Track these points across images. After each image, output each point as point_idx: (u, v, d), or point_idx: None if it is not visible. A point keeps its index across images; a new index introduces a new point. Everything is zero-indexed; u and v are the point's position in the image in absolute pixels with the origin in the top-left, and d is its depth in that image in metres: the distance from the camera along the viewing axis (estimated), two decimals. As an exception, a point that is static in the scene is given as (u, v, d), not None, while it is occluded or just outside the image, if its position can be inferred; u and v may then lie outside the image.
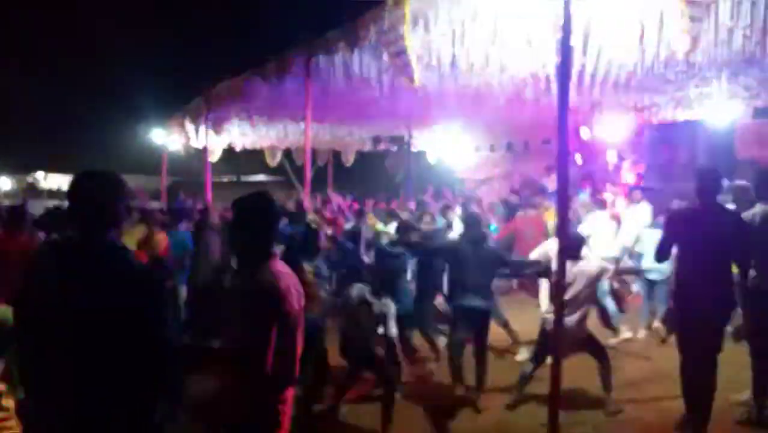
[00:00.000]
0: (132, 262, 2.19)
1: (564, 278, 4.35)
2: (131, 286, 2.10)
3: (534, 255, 5.69)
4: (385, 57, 5.25)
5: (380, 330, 4.75)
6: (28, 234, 5.25)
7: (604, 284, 6.51)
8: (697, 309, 4.34)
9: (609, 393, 5.01)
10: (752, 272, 4.50)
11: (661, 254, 4.66)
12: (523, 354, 6.39)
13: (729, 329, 4.71)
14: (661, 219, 6.82)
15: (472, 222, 5.65)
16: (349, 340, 4.79)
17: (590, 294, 5.10)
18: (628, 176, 11.85)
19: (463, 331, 5.26)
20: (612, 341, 6.64)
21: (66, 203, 2.30)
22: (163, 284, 2.22)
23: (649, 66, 6.05)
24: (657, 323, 7.19)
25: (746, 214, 4.61)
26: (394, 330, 4.82)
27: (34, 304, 2.10)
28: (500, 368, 5.93)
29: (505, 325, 6.66)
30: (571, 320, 4.82)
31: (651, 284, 7.18)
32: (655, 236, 6.57)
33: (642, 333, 7.23)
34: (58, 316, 2.04)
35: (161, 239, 6.74)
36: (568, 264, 4.87)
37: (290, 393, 2.63)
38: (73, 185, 2.19)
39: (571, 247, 4.89)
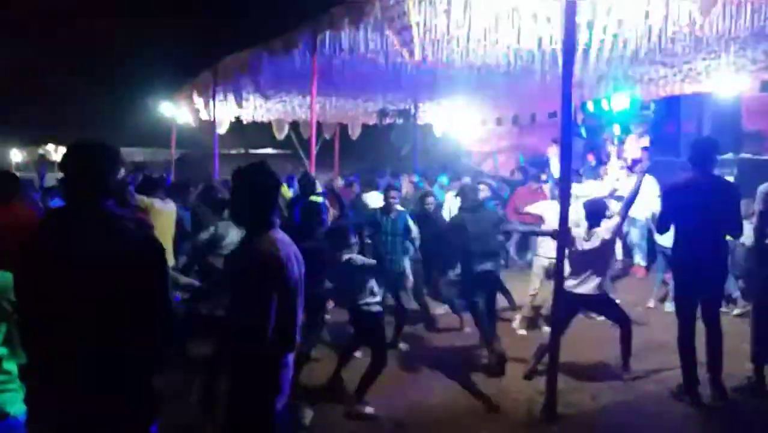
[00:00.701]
0: (130, 230, 2.19)
1: (564, 247, 4.47)
2: (129, 254, 2.12)
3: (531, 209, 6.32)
4: (389, 32, 5.27)
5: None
6: (23, 204, 4.77)
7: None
8: (693, 275, 4.57)
9: (627, 360, 5.14)
10: None
11: (662, 226, 4.85)
12: (517, 323, 6.58)
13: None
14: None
15: (466, 191, 5.83)
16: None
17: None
18: (634, 150, 11.83)
19: (477, 294, 5.41)
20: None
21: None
22: (161, 252, 2.24)
23: (656, 39, 6.03)
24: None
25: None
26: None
27: (33, 273, 2.13)
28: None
29: (506, 292, 6.82)
30: (588, 285, 5.00)
31: (665, 256, 7.31)
32: None
33: (652, 303, 7.37)
34: (58, 284, 2.08)
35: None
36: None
37: (290, 358, 2.71)
38: (66, 155, 2.21)
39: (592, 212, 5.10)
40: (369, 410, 4.48)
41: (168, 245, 5.84)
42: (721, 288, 4.75)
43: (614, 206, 5.82)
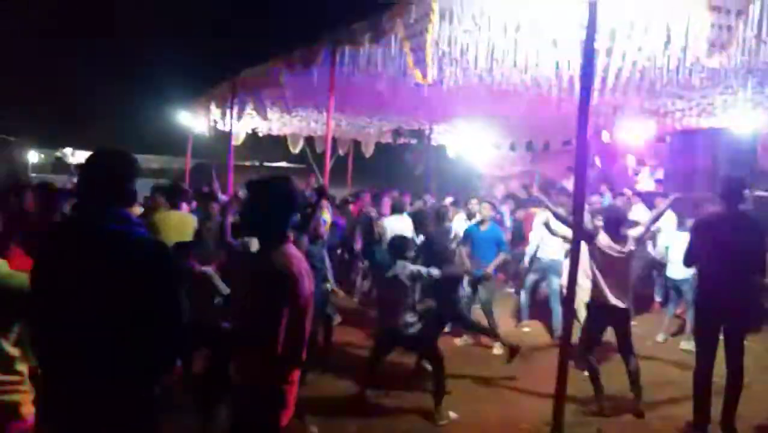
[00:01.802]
0: (143, 238, 2.22)
1: (576, 274, 4.44)
2: (142, 261, 2.13)
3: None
4: (405, 49, 5.30)
5: None
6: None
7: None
8: (716, 311, 4.54)
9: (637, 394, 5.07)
10: None
11: (690, 260, 4.89)
12: (498, 349, 6.53)
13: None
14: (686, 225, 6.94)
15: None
16: None
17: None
18: (647, 182, 11.77)
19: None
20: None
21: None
22: (173, 260, 2.25)
23: (673, 71, 6.03)
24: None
25: None
26: None
27: (47, 277, 2.15)
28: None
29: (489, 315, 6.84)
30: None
31: (677, 291, 7.24)
32: (683, 241, 6.70)
33: (661, 337, 7.27)
34: (70, 289, 2.09)
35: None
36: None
37: (296, 374, 2.67)
38: (87, 162, 2.25)
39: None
40: None
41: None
42: (745, 325, 4.69)
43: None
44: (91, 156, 2.29)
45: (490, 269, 6.77)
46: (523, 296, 7.64)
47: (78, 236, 2.16)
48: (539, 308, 7.68)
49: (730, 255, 4.45)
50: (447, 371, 5.09)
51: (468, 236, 7.02)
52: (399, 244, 5.20)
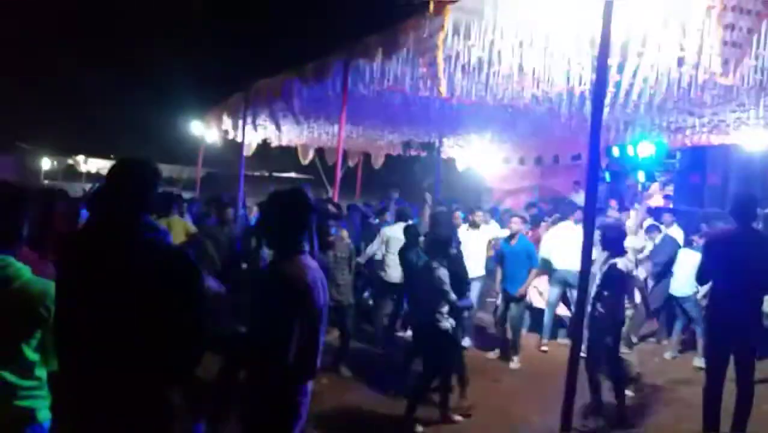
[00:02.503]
0: (166, 245, 2.26)
1: (587, 288, 4.44)
2: (164, 269, 2.16)
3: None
4: (420, 63, 5.35)
5: None
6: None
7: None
8: (728, 329, 4.51)
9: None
10: None
11: (703, 277, 4.88)
12: (515, 363, 6.53)
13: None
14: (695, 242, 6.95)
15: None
16: None
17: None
18: (657, 197, 11.74)
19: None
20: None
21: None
22: (194, 269, 2.30)
23: (685, 88, 6.04)
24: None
25: None
26: None
27: (72, 283, 2.19)
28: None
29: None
30: None
31: (681, 309, 7.21)
32: (689, 258, 6.70)
33: (669, 354, 7.22)
34: (95, 295, 2.12)
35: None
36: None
37: (309, 386, 2.68)
38: (113, 170, 2.30)
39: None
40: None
41: None
42: (756, 344, 4.66)
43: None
44: (118, 164, 2.34)
45: (523, 289, 6.80)
46: (548, 313, 7.61)
47: (110, 243, 2.20)
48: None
49: (742, 273, 4.43)
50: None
51: (499, 253, 7.07)
52: (437, 243, 5.20)
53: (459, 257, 6.21)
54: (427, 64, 5.19)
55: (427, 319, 4.98)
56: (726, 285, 4.54)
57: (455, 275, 5.19)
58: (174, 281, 2.16)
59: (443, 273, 4.98)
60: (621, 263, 5.10)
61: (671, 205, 10.87)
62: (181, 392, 2.26)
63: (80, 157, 20.85)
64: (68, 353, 2.20)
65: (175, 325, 2.15)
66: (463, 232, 7.76)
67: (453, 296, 4.97)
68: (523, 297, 6.85)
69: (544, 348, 7.47)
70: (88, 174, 20.64)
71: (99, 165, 20.60)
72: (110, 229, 2.23)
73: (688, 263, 6.83)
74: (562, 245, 7.23)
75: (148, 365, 2.13)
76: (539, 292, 7.89)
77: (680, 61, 5.13)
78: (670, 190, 12.24)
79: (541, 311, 7.80)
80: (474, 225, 7.80)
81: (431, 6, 4.95)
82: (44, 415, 2.43)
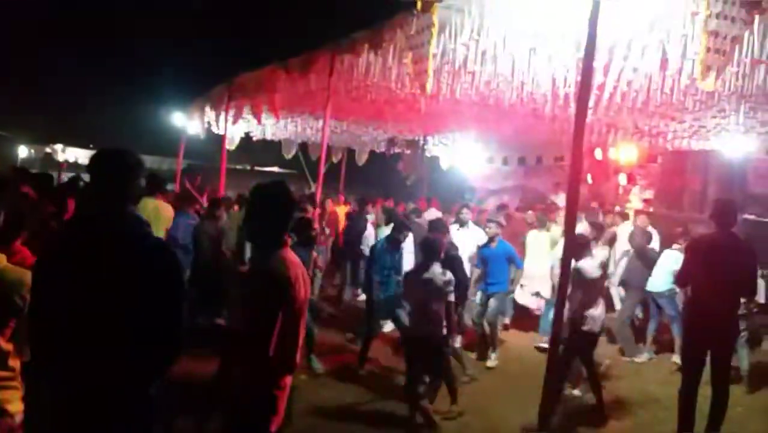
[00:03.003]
0: (149, 238, 2.23)
1: (565, 291, 4.46)
2: (146, 262, 2.13)
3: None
4: (406, 61, 5.33)
5: None
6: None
7: None
8: (705, 331, 4.55)
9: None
10: None
11: (682, 280, 4.95)
12: (492, 362, 6.58)
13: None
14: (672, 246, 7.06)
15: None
16: None
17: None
18: (636, 200, 11.88)
19: None
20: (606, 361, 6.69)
21: (87, 176, 2.35)
22: (178, 261, 2.26)
23: (668, 93, 6.09)
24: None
25: None
26: None
27: (52, 273, 2.15)
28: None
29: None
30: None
31: (656, 304, 7.32)
32: (668, 256, 6.84)
33: (644, 357, 7.26)
34: (75, 286, 2.08)
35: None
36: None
37: (288, 380, 2.67)
38: (96, 161, 2.25)
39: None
40: None
41: None
42: (732, 346, 4.74)
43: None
44: (101, 155, 2.29)
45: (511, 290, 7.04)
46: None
47: (93, 235, 2.16)
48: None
49: (721, 277, 4.49)
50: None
51: (481, 257, 7.17)
52: (431, 245, 5.10)
53: (460, 261, 6.24)
54: (414, 61, 5.17)
55: (430, 328, 4.90)
56: (705, 288, 4.59)
57: (457, 280, 5.22)
58: (156, 274, 2.14)
59: (448, 277, 4.93)
60: (586, 264, 5.17)
61: (651, 209, 10.97)
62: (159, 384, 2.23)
63: (58, 146, 20.43)
64: (44, 344, 2.16)
65: (155, 318, 2.12)
66: (454, 232, 7.78)
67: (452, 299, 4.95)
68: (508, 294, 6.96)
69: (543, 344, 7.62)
70: (67, 163, 20.25)
71: (77, 154, 20.21)
72: (93, 220, 2.19)
73: (666, 260, 6.95)
74: None
75: (127, 357, 2.10)
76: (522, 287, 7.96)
77: (664, 66, 5.18)
78: (650, 194, 12.37)
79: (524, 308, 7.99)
80: (462, 224, 7.85)
81: (419, 4, 4.93)
82: (16, 407, 2.38)
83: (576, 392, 5.70)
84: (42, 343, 2.17)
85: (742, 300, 5.05)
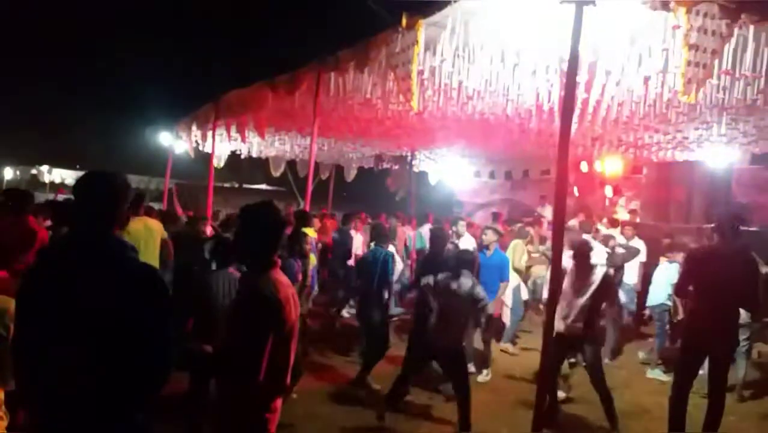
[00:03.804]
0: (136, 261, 2.19)
1: (556, 300, 4.48)
2: (134, 285, 2.10)
3: None
4: (392, 78, 5.37)
5: None
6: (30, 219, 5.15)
7: None
8: (702, 341, 4.56)
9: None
10: None
11: (680, 290, 4.94)
12: (483, 377, 6.54)
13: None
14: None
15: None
16: None
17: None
18: (622, 212, 11.97)
19: None
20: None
21: (72, 198, 2.30)
22: (165, 285, 2.23)
23: (651, 106, 6.17)
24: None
25: None
26: None
27: (36, 298, 2.11)
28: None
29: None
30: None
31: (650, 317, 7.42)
32: (663, 270, 7.04)
33: (655, 373, 7.23)
34: (59, 312, 2.04)
35: None
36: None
37: (278, 403, 2.63)
38: (82, 183, 2.21)
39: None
40: None
41: None
42: (729, 357, 4.73)
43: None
44: (88, 178, 2.24)
45: (494, 306, 6.75)
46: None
47: (79, 261, 2.12)
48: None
49: (723, 288, 4.46)
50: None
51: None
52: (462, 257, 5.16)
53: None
54: (400, 78, 5.21)
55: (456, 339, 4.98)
56: (706, 299, 4.56)
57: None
58: (143, 300, 2.10)
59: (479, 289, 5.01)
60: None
61: (638, 220, 11.05)
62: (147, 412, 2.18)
63: (44, 167, 20.26)
64: (30, 372, 2.12)
65: (140, 345, 2.08)
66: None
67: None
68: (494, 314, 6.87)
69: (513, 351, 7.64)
70: (52, 184, 20.07)
71: (63, 175, 20.07)
72: (79, 246, 2.16)
73: (664, 274, 7.00)
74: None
75: (114, 385, 2.06)
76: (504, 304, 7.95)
77: (646, 80, 5.26)
78: (636, 205, 12.47)
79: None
80: (458, 236, 7.86)
81: (404, 21, 4.98)
82: None
83: (560, 393, 5.65)
84: (28, 372, 2.12)
85: (747, 313, 5.01)
